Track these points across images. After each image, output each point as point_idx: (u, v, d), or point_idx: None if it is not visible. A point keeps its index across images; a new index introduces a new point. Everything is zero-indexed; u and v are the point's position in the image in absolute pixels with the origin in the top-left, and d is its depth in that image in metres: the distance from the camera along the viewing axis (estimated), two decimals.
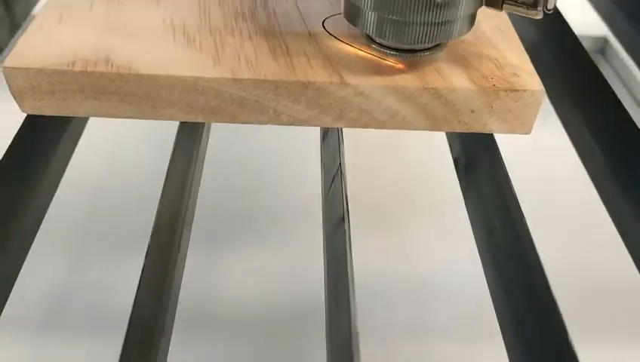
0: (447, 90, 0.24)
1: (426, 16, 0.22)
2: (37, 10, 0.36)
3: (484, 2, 0.22)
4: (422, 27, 0.22)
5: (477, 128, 0.25)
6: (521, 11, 0.22)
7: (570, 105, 0.31)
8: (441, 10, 0.21)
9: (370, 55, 0.24)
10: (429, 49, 0.24)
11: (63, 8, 0.26)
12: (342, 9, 0.24)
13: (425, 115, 0.24)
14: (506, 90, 0.24)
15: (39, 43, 0.24)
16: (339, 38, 0.25)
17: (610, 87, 0.30)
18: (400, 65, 0.24)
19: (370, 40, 0.24)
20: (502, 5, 0.22)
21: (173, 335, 0.24)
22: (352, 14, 0.23)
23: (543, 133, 0.30)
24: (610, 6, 0.41)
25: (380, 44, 0.24)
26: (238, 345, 0.37)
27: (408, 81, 0.24)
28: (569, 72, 0.32)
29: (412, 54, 0.24)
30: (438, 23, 0.22)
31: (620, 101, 0.29)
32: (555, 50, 0.34)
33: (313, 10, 0.27)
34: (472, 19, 0.23)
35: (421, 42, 0.23)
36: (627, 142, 0.27)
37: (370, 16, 0.23)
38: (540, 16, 0.22)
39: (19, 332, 0.37)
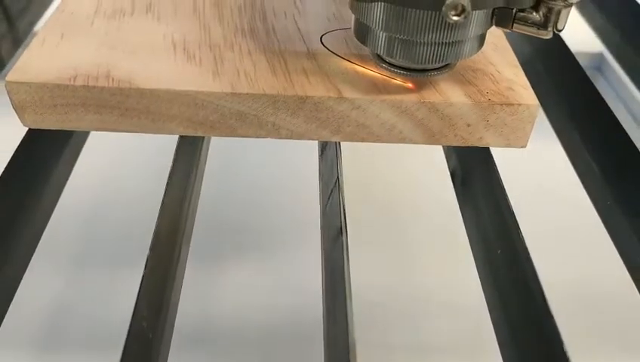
0: (444, 105, 0.24)
1: (437, 36, 0.22)
2: (39, 27, 0.36)
3: (494, 23, 0.22)
4: (432, 47, 0.22)
5: (473, 142, 0.25)
6: (531, 31, 0.22)
7: (566, 120, 0.31)
8: (451, 30, 0.21)
9: (368, 70, 0.25)
10: (438, 69, 0.24)
11: (65, 25, 0.26)
12: (352, 28, 0.24)
13: (421, 129, 0.25)
14: (501, 104, 0.24)
15: (41, 58, 0.24)
16: (337, 53, 0.26)
17: (605, 101, 0.30)
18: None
19: (379, 59, 0.24)
20: (512, 25, 0.22)
21: (171, 347, 0.24)
22: (362, 34, 0.24)
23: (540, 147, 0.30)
24: (606, 22, 0.41)
25: (390, 64, 0.24)
26: (236, 356, 0.37)
27: (405, 95, 0.24)
28: (564, 86, 0.33)
29: (421, 74, 0.24)
30: (449, 43, 0.22)
31: (614, 114, 0.29)
32: (550, 66, 0.34)
33: (311, 26, 0.27)
34: (481, 39, 0.24)
35: (431, 62, 0.23)
36: (621, 154, 0.28)
37: (381, 36, 0.23)
38: (549, 36, 0.22)
39: (17, 344, 0.37)
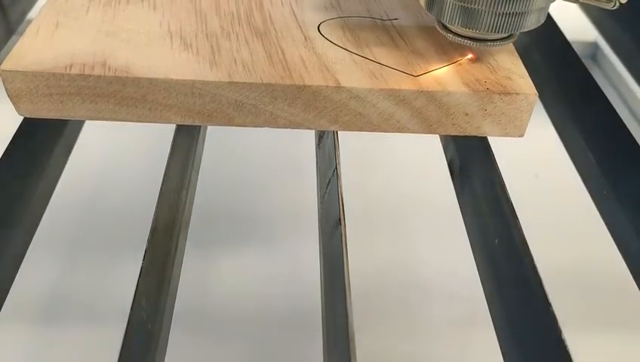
0: (442, 94, 0.24)
1: (505, 6, 0.22)
2: (32, 15, 0.36)
3: None
4: (498, 17, 0.23)
5: (471, 131, 0.25)
6: (598, 1, 0.23)
7: (562, 108, 0.31)
8: (521, 1, 0.22)
9: (366, 59, 0.25)
10: (502, 39, 0.24)
11: (60, 13, 0.26)
12: None
13: (419, 118, 0.25)
14: (499, 94, 0.24)
15: (37, 46, 0.24)
16: (334, 42, 0.26)
17: (601, 90, 0.30)
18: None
19: (444, 28, 0.25)
20: None
21: (170, 336, 0.24)
22: (430, 1, 0.24)
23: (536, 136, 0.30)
24: (601, 10, 0.41)
25: (455, 33, 0.25)
26: (236, 345, 0.37)
27: (403, 84, 0.24)
28: (561, 75, 0.33)
29: (484, 43, 0.24)
30: (515, 13, 0.23)
31: (610, 103, 0.29)
32: (547, 55, 0.34)
33: (309, 15, 0.27)
34: (545, 11, 0.24)
35: (496, 31, 0.23)
36: (617, 144, 0.28)
37: (448, 4, 0.23)
38: (609, 7, 0.23)
39: (17, 334, 0.37)
